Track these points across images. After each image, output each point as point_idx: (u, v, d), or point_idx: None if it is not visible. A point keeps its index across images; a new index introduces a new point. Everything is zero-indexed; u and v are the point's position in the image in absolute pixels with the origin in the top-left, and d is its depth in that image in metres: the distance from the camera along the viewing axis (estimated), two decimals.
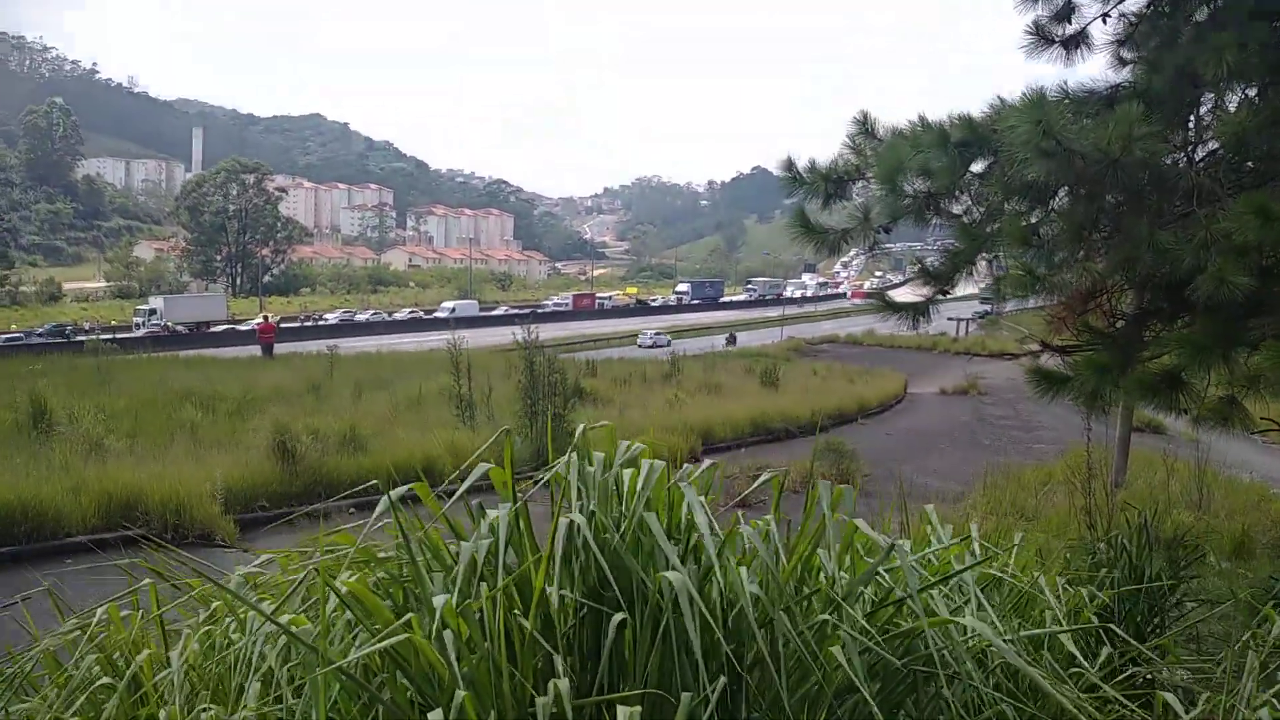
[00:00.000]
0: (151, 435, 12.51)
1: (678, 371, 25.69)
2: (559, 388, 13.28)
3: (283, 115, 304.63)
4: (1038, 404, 5.33)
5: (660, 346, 55.21)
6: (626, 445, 2.89)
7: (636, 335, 64.26)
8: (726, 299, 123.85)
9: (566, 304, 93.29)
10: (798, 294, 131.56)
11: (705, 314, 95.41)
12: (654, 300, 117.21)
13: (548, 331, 17.83)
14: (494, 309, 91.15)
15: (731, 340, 60.97)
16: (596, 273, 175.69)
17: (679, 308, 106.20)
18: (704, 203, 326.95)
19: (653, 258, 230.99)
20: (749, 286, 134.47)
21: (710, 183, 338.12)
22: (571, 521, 2.50)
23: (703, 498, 2.67)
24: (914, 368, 37.94)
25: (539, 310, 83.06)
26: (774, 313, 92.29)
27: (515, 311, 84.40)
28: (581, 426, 2.90)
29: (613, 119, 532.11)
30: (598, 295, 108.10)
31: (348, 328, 69.71)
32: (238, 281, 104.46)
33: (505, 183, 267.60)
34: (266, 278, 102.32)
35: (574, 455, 2.75)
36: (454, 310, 78.79)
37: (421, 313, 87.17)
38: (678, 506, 2.78)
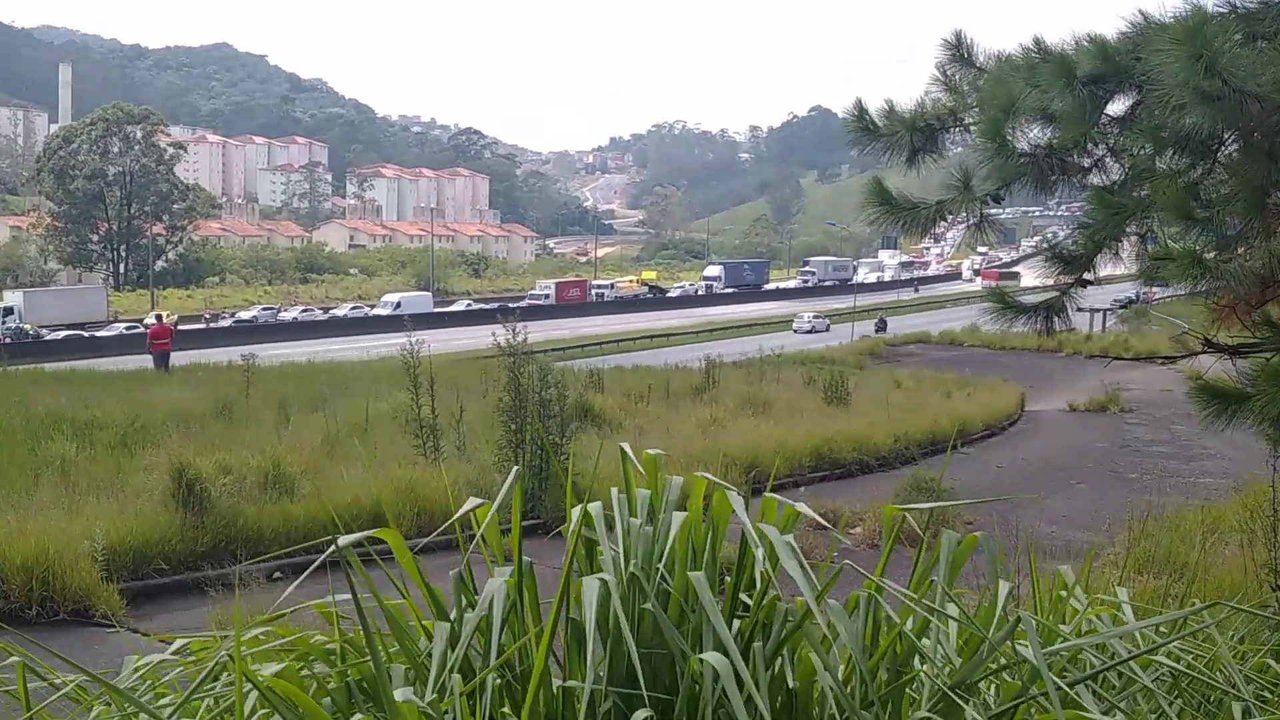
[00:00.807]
0: (9, 476, 12.62)
1: (713, 384, 25.72)
2: (554, 407, 13.31)
3: (179, 46, 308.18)
4: (1203, 425, 5.30)
5: (819, 331, 67.85)
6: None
7: (652, 335, 64.57)
8: (774, 285, 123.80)
9: (547, 294, 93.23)
10: (873, 277, 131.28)
11: (744, 306, 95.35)
12: (677, 288, 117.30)
13: (537, 332, 17.87)
14: (453, 303, 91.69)
15: (882, 326, 68.69)
16: (602, 252, 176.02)
17: (707, 298, 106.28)
18: (745, 156, 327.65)
19: (676, 231, 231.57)
20: (805, 269, 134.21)
21: (754, 129, 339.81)
22: (603, 584, 2.51)
23: (790, 540, 2.68)
24: (1033, 376, 37.79)
25: (510, 305, 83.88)
26: (840, 302, 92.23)
27: (481, 306, 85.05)
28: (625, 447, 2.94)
29: (622, 62, 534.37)
30: (595, 283, 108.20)
31: (269, 329, 70.10)
32: (122, 269, 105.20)
33: (478, 133, 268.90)
34: (160, 264, 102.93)
35: (596, 497, 2.78)
36: (399, 305, 79.60)
37: (367, 308, 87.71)
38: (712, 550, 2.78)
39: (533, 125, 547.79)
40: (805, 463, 17.60)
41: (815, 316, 74.64)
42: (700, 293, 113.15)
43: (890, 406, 23.87)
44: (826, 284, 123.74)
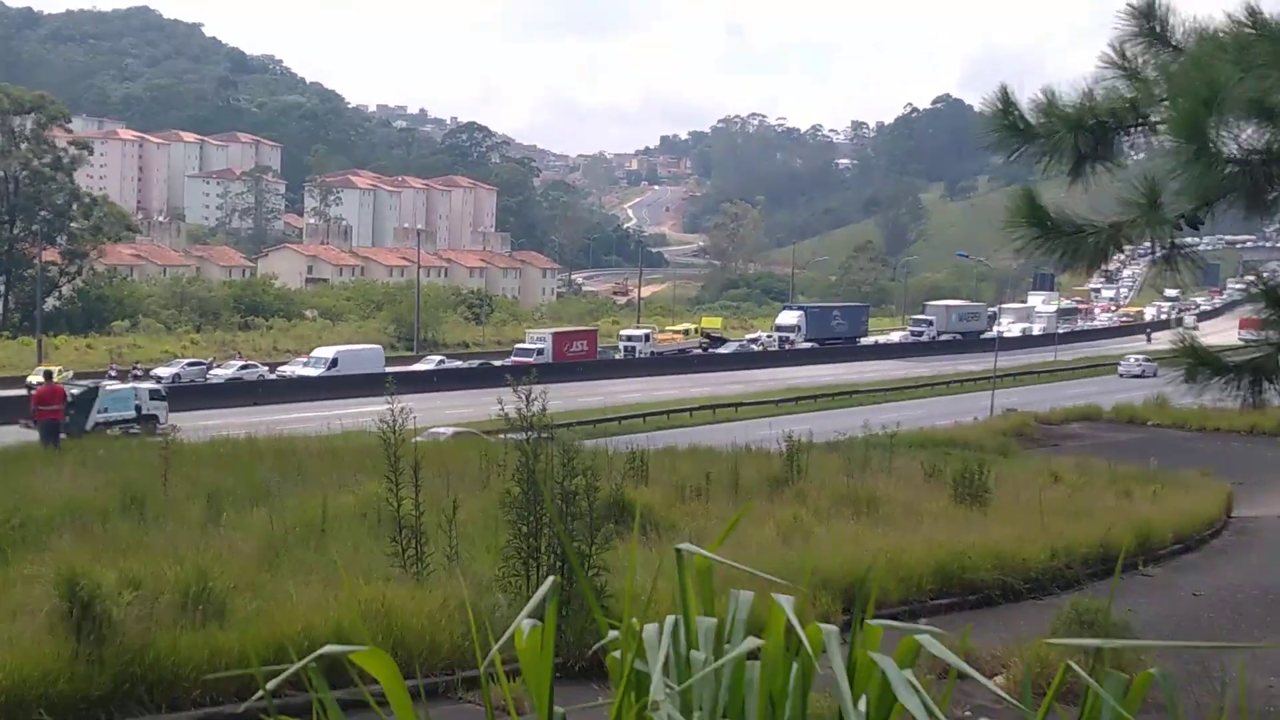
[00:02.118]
0: None
1: (798, 473, 25.60)
2: (581, 504, 13.30)
3: (85, 10, 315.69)
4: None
5: (1147, 377, 74.77)
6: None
7: (715, 405, 64.56)
8: (875, 339, 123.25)
9: (540, 349, 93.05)
10: (1017, 330, 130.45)
11: (830, 367, 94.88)
12: (748, 340, 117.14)
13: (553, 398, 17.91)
14: (422, 359, 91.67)
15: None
16: (648, 290, 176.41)
17: (775, 355, 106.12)
18: (845, 163, 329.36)
19: (750, 262, 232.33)
20: (919, 318, 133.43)
21: (858, 127, 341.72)
22: None
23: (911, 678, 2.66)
24: (1244, 467, 37.31)
25: (492, 364, 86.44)
26: (976, 362, 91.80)
27: (459, 365, 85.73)
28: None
29: (677, 34, 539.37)
30: (625, 333, 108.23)
31: (196, 392, 70.50)
32: (0, 307, 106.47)
33: (482, 130, 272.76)
34: (52, 302, 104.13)
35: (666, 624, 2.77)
36: (334, 362, 79.63)
37: (264, 369, 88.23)
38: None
39: (557, 119, 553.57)
40: (926, 584, 17.43)
41: (1146, 360, 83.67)
42: (767, 347, 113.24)
43: (1045, 508, 23.64)
44: (943, 338, 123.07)
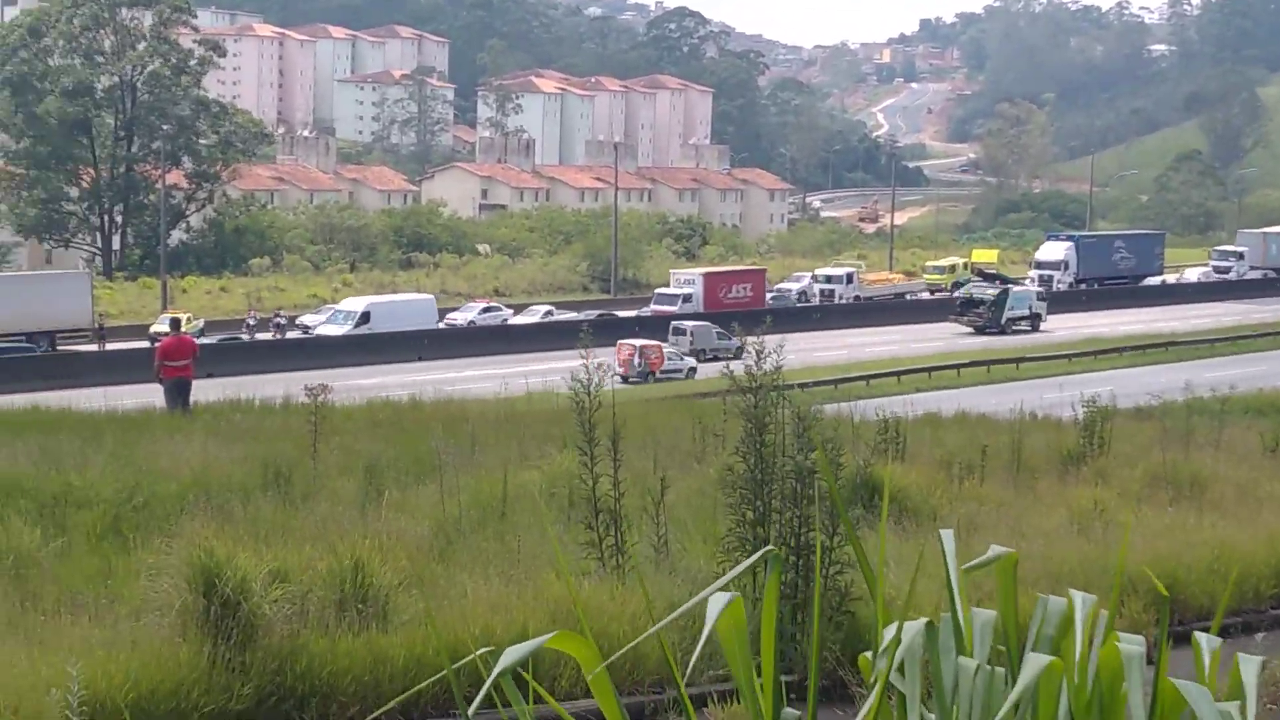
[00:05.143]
0: None
1: (1098, 447, 25.16)
2: (820, 484, 13.23)
3: None
4: None
5: None
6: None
7: (989, 361, 63.86)
8: (1162, 279, 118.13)
9: (687, 295, 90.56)
10: None
11: (1096, 315, 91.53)
12: (997, 274, 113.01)
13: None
14: (525, 310, 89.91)
15: None
16: (904, 216, 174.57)
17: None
18: (1160, 49, 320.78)
19: (1035, 179, 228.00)
20: (1224, 250, 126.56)
21: (1175, 3, 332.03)
22: None
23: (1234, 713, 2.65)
24: None
25: (615, 315, 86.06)
26: None
27: (569, 316, 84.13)
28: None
29: None
30: (822, 272, 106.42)
31: (350, 344, 71.58)
32: (116, 243, 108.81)
33: (694, 16, 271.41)
34: (178, 235, 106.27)
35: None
36: (365, 317, 77.21)
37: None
38: None
39: (787, 1, 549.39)
40: (1266, 589, 17.01)
41: None
42: (1031, 282, 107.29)
43: None
44: (1251, 276, 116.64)
